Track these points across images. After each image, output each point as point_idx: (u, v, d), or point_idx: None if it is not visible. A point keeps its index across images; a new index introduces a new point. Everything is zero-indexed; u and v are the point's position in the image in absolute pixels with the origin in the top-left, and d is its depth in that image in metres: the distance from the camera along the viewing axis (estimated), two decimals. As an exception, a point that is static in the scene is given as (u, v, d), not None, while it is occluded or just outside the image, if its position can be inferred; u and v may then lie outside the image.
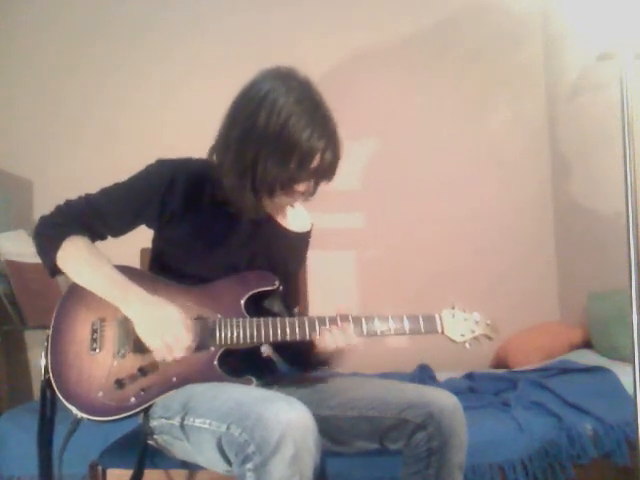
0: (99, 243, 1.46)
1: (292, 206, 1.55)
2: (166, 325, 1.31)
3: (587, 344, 2.89)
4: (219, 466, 1.23)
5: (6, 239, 2.84)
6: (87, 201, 1.43)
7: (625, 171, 1.64)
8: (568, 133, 3.30)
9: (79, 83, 3.32)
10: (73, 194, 1.46)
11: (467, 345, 1.45)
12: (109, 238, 1.47)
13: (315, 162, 1.36)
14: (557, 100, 3.37)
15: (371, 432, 1.39)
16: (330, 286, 3.15)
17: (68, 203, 1.44)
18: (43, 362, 1.35)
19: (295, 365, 1.57)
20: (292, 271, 1.58)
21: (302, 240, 1.62)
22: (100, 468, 1.44)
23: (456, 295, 1.49)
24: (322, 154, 1.36)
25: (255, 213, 1.44)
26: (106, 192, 1.45)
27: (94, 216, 1.42)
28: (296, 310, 1.62)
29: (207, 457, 1.26)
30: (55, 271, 1.40)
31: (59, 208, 1.43)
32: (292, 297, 1.58)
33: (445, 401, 1.36)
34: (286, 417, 1.13)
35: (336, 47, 3.26)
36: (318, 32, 3.30)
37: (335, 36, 3.27)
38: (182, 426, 1.26)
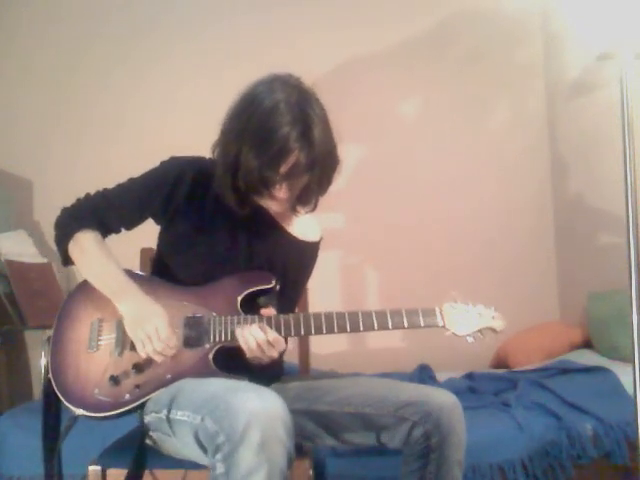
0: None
1: (295, 215, 1.53)
2: (147, 318, 1.34)
3: (587, 344, 2.88)
4: (201, 459, 1.22)
5: (6, 239, 2.84)
6: (103, 194, 1.50)
7: (625, 171, 1.64)
8: (568, 133, 3.30)
9: (79, 83, 3.32)
10: (73, 194, 1.52)
11: (470, 339, 1.39)
12: (121, 232, 1.53)
13: (288, 164, 1.33)
14: (557, 100, 3.37)
15: (368, 429, 1.39)
16: (331, 288, 3.16)
17: (87, 196, 1.51)
18: (43, 361, 1.38)
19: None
20: (292, 279, 1.54)
21: (306, 249, 1.57)
22: (100, 468, 1.44)
23: (456, 294, 1.48)
24: (297, 158, 1.32)
25: (240, 209, 1.44)
26: (120, 186, 1.51)
27: (108, 209, 1.48)
28: None
29: (190, 450, 1.25)
30: (67, 260, 1.47)
31: (79, 200, 1.50)
32: (287, 305, 1.52)
33: (444, 399, 1.36)
34: (252, 405, 1.12)
35: (336, 47, 3.25)
36: (318, 32, 3.30)
37: (335, 36, 3.26)
38: (168, 419, 1.26)
